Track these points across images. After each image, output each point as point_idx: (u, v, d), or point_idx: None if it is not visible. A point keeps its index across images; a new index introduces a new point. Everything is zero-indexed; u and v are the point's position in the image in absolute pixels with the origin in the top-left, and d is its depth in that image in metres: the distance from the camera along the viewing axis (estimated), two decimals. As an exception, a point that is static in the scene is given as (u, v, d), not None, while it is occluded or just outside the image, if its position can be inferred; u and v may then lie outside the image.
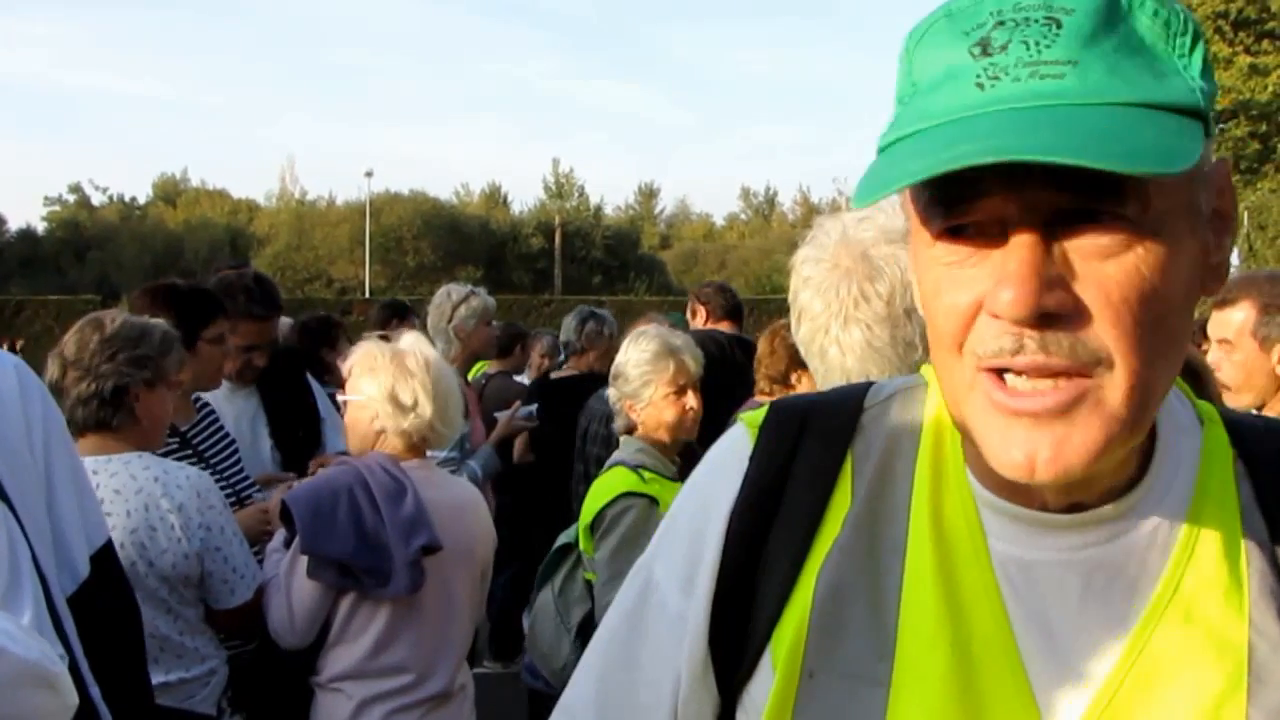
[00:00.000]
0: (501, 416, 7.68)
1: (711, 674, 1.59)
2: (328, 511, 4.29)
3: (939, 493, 1.51)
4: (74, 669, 2.61)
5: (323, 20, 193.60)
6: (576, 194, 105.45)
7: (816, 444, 1.60)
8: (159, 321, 4.64)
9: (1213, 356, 4.86)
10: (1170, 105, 1.25)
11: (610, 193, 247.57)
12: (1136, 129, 1.20)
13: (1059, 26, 1.25)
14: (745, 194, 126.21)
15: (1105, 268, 1.24)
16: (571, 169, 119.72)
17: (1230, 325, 4.75)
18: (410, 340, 4.80)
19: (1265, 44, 38.10)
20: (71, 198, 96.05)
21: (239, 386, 6.09)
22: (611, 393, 5.28)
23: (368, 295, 71.74)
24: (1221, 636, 1.38)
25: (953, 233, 1.30)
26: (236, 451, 5.50)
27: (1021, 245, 1.24)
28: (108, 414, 4.42)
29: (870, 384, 1.69)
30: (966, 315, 1.30)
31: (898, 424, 1.60)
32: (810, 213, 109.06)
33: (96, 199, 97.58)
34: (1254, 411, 4.84)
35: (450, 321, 7.67)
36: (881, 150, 1.33)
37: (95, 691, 2.80)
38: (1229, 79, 36.70)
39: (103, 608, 3.02)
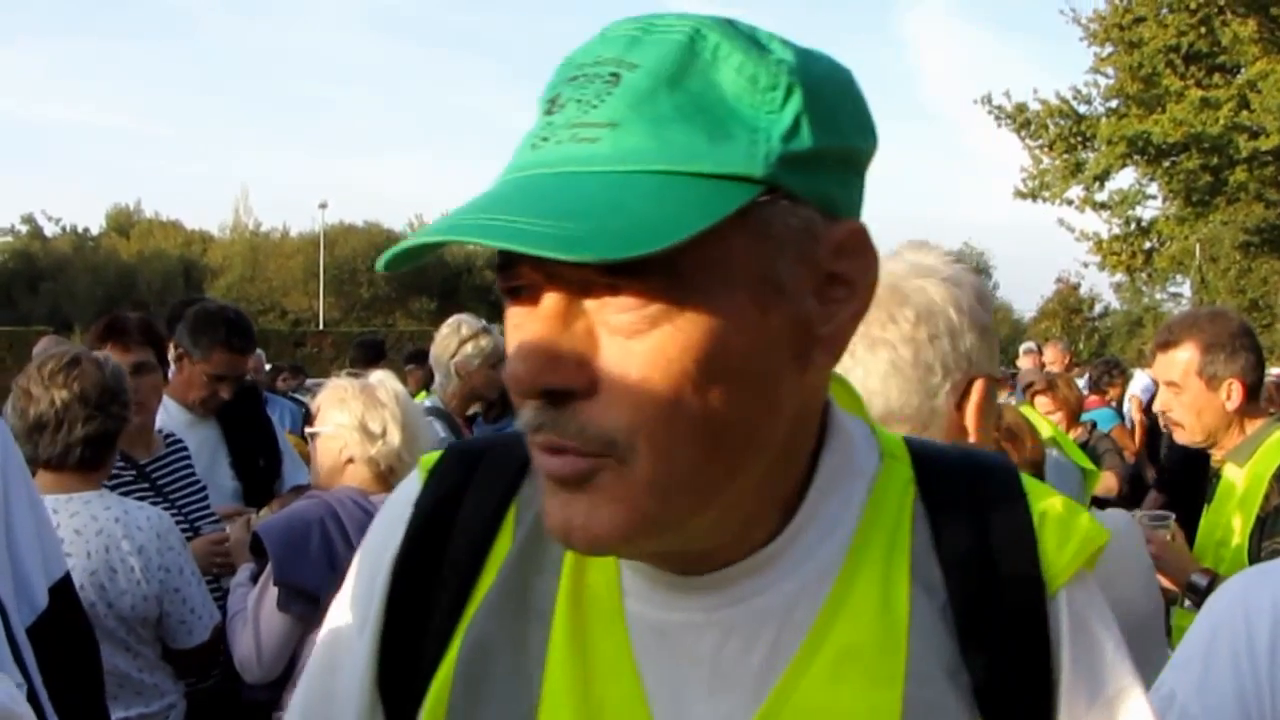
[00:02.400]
0: None
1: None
2: (300, 542, 4.25)
3: None
4: (33, 699, 2.64)
5: (278, 53, 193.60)
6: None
7: (483, 488, 1.52)
8: (118, 362, 4.62)
9: (1162, 399, 4.97)
10: (714, 172, 1.17)
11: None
12: (634, 202, 1.13)
13: (617, 83, 1.19)
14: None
15: (630, 344, 1.17)
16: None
17: (1175, 367, 4.82)
18: (379, 375, 4.82)
19: (1216, 77, 38.30)
20: (24, 228, 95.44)
21: (201, 417, 6.13)
22: None
23: (321, 327, 71.72)
24: (872, 695, 1.31)
25: (513, 296, 1.24)
26: (201, 489, 5.51)
27: (540, 316, 1.19)
28: (103, 454, 4.41)
29: None
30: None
31: None
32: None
33: (49, 230, 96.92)
34: (1207, 449, 4.93)
35: (453, 357, 7.12)
36: None
37: None
38: (1180, 112, 36.88)
39: (61, 639, 3.03)
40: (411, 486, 1.57)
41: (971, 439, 2.46)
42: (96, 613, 4.16)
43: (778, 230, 1.22)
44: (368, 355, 14.23)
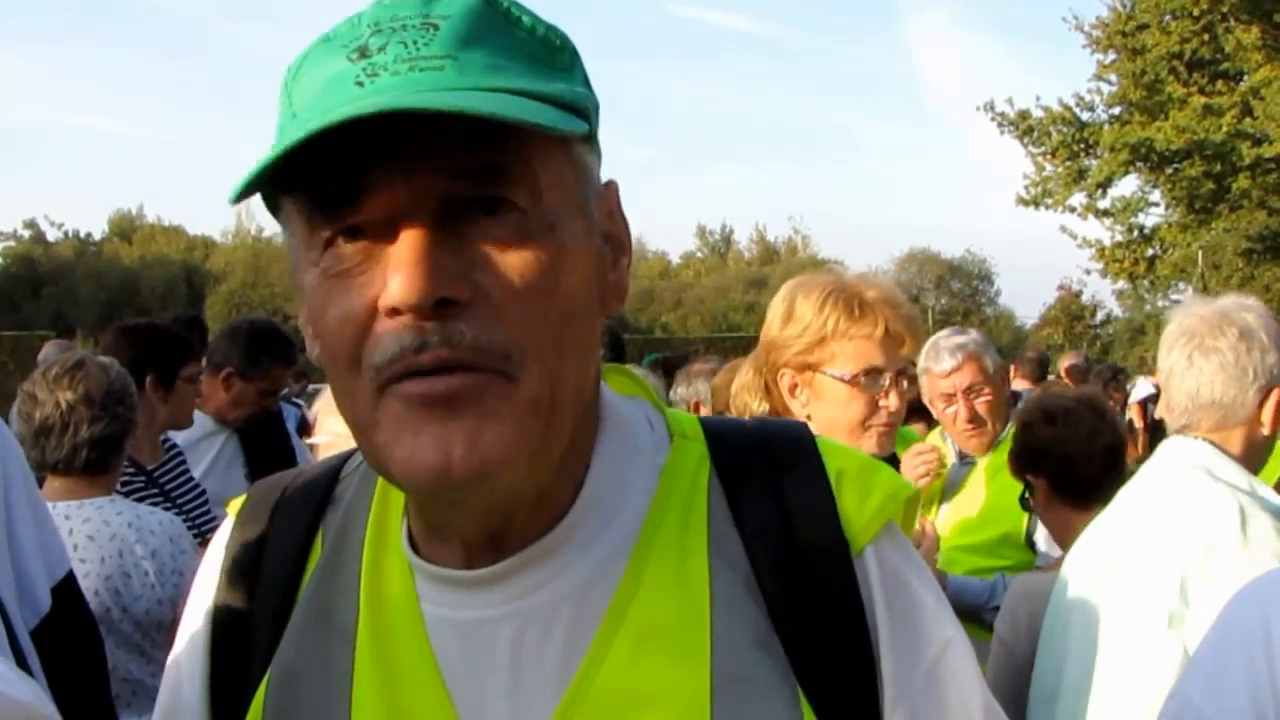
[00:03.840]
0: None
1: None
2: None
3: (380, 563, 1.45)
4: None
5: (282, 58, 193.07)
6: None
7: (286, 522, 1.54)
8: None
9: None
10: (553, 97, 1.25)
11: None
12: (516, 103, 1.19)
13: (436, 29, 1.23)
14: (701, 232, 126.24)
15: (507, 257, 1.21)
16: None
17: None
18: None
19: (1219, 84, 38.04)
20: (26, 233, 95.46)
21: (220, 427, 6.15)
22: None
23: (324, 332, 71.46)
24: (679, 673, 1.32)
25: (345, 237, 1.24)
26: (202, 494, 5.53)
27: (413, 234, 1.20)
28: (110, 457, 4.41)
29: (352, 451, 1.59)
30: (361, 323, 1.23)
31: (359, 492, 1.54)
32: (766, 251, 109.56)
33: (52, 235, 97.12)
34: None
35: None
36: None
37: None
38: (1183, 119, 36.70)
39: (66, 639, 3.01)
40: (223, 530, 1.61)
41: (1266, 431, 3.37)
42: (111, 617, 4.17)
43: (585, 168, 1.33)
44: None
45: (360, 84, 1.21)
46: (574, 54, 1.35)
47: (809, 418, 3.42)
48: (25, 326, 60.05)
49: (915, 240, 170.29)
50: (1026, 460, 4.33)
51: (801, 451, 1.47)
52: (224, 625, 1.52)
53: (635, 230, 1.44)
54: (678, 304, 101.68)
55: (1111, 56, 40.27)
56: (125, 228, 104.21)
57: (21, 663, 2.62)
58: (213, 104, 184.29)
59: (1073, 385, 11.25)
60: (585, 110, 1.31)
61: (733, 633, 1.33)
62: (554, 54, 1.32)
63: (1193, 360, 3.37)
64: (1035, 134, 40.24)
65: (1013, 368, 15.26)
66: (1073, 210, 40.93)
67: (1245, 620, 2.03)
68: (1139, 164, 39.19)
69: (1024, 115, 39.98)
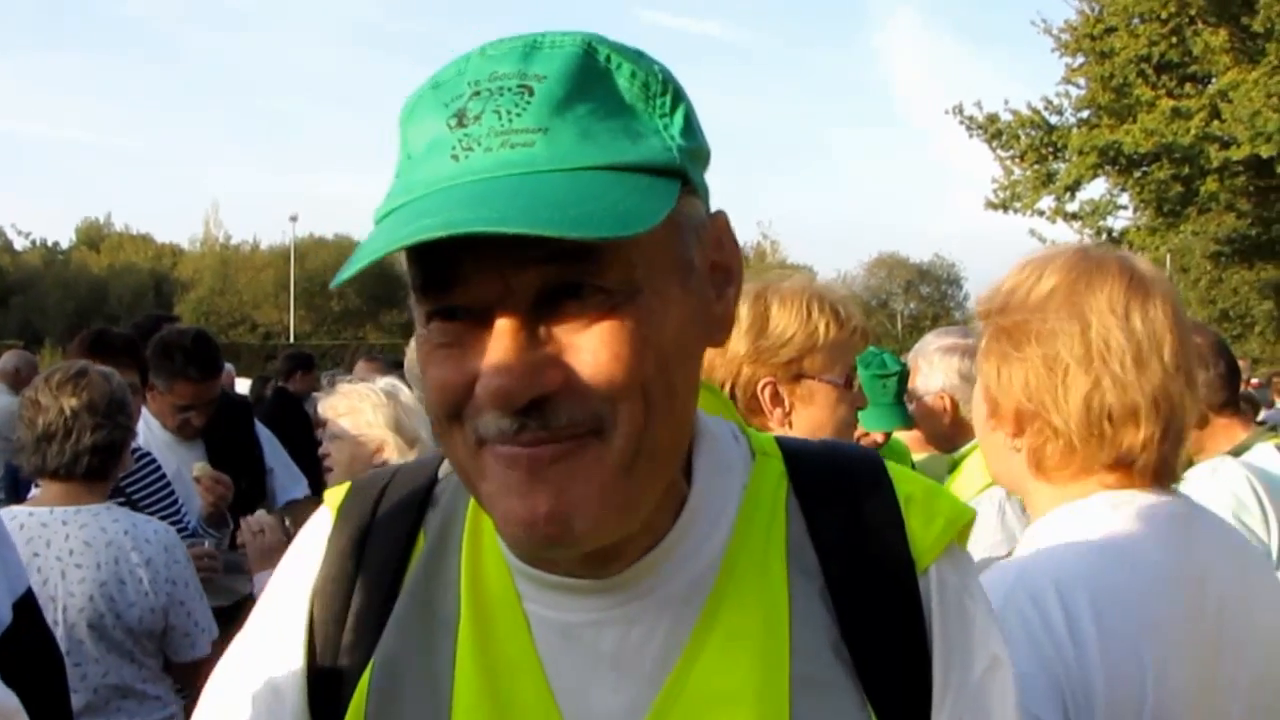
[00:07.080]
0: None
1: None
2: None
3: (479, 561, 1.51)
4: None
5: (248, 66, 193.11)
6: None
7: (388, 520, 1.60)
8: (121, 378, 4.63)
9: None
10: (643, 165, 1.28)
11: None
12: (600, 193, 1.22)
13: (531, 94, 1.26)
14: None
15: (593, 338, 1.25)
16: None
17: None
18: (387, 382, 4.78)
19: (1188, 87, 38.18)
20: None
21: (178, 436, 6.06)
22: None
23: (292, 340, 71.52)
24: (761, 674, 1.40)
25: (443, 315, 1.30)
26: (175, 502, 5.50)
27: (506, 332, 1.25)
28: (110, 464, 4.43)
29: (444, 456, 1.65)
30: (461, 391, 1.29)
31: (455, 495, 1.58)
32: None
33: (19, 243, 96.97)
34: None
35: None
36: (378, 222, 1.32)
37: None
38: (1151, 122, 36.80)
39: (25, 654, 3.02)
40: (322, 524, 1.64)
41: None
42: (105, 624, 4.20)
43: (686, 219, 1.35)
44: (290, 368, 14.47)
45: (455, 157, 1.26)
46: (676, 94, 1.37)
47: (789, 426, 3.32)
48: (-7, 336, 59.82)
49: (884, 244, 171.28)
50: None
51: (875, 476, 1.56)
52: (324, 615, 1.56)
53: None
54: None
55: (1080, 60, 40.36)
56: (93, 236, 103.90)
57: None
58: (180, 112, 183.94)
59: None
60: (676, 167, 1.32)
61: (809, 639, 1.42)
62: (653, 101, 1.34)
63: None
64: (1004, 137, 40.26)
65: None
66: (1041, 214, 40.98)
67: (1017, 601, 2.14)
68: (1107, 167, 39.25)
69: (993, 119, 40.00)
